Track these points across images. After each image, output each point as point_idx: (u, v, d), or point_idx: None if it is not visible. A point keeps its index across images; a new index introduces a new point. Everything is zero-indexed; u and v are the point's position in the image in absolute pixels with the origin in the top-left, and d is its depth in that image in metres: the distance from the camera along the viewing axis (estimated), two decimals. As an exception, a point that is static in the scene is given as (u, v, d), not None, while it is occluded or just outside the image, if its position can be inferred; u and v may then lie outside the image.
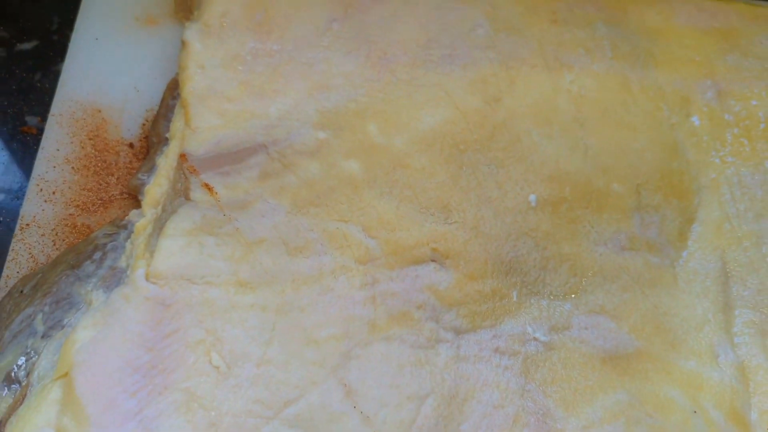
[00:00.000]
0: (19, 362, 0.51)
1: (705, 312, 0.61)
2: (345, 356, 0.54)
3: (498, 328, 0.58)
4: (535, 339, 0.59)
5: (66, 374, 0.50)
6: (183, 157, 0.60)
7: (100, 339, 0.51)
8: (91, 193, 0.63)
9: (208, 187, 0.58)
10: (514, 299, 0.60)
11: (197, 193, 0.58)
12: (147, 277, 0.54)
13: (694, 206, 0.66)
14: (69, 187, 0.63)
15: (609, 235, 0.63)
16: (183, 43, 0.66)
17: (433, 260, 0.59)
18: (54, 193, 0.63)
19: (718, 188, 0.67)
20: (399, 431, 0.52)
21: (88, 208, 0.63)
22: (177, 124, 0.63)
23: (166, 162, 0.62)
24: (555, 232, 0.63)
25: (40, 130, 0.67)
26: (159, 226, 0.58)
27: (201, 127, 0.61)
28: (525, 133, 0.65)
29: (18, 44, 0.72)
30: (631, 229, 0.64)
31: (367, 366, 0.54)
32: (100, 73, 0.69)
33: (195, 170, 0.59)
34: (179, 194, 0.59)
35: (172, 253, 0.55)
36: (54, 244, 0.61)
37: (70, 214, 0.62)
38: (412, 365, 0.55)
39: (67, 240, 0.61)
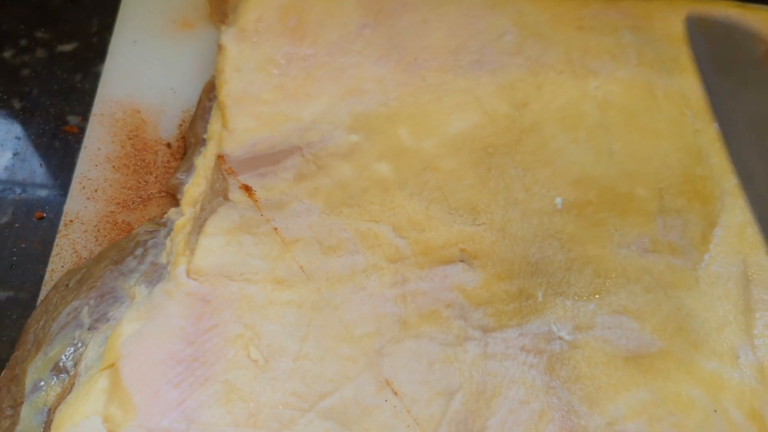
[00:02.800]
0: (67, 353, 0.54)
1: (726, 314, 0.63)
2: (377, 353, 0.56)
3: (524, 327, 0.60)
4: (560, 338, 0.60)
5: (113, 365, 0.52)
6: (221, 158, 0.62)
7: (144, 332, 0.53)
8: (130, 191, 0.66)
9: (246, 188, 0.60)
10: (540, 299, 0.62)
11: (236, 194, 0.60)
12: (188, 274, 0.56)
13: (716, 211, 0.67)
14: (110, 185, 0.65)
15: (632, 238, 0.65)
16: (220, 47, 0.68)
17: (461, 260, 0.61)
18: (96, 190, 0.65)
19: (741, 193, 0.68)
20: (430, 425, 0.54)
21: (128, 205, 0.65)
22: (214, 125, 0.66)
23: (204, 162, 0.64)
24: (580, 234, 0.64)
25: (81, 130, 0.69)
26: (198, 224, 0.60)
27: (237, 129, 0.64)
28: (552, 138, 0.67)
29: (59, 46, 0.74)
30: (655, 233, 0.65)
31: (398, 362, 0.56)
32: (139, 75, 0.72)
33: (233, 171, 0.61)
34: (218, 194, 0.61)
35: (212, 251, 0.57)
36: (96, 240, 0.63)
37: (111, 211, 0.64)
38: (442, 362, 0.57)
39: (108, 236, 0.63)
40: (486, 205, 0.63)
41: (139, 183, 0.66)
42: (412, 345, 0.57)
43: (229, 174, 0.61)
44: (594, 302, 0.62)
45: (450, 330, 0.58)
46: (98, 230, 0.64)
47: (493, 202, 0.64)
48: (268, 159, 0.62)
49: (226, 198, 0.60)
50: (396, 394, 0.54)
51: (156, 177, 0.67)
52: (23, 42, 0.74)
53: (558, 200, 0.65)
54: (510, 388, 0.58)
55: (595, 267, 0.63)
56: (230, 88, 0.65)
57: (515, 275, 0.62)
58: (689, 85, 0.72)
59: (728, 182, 0.68)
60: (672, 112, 0.70)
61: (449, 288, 0.60)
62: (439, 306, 0.59)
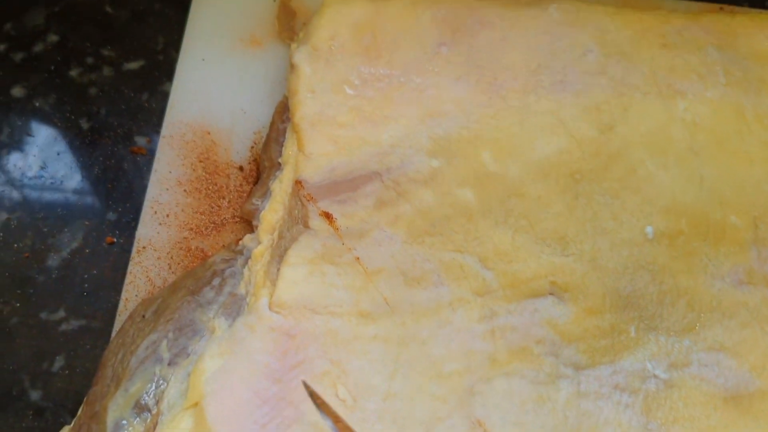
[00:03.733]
0: (148, 389, 0.52)
1: (827, 353, 0.60)
2: (468, 391, 0.53)
3: (617, 364, 0.57)
4: (655, 376, 0.57)
5: (197, 404, 0.50)
6: (299, 183, 0.60)
7: (228, 369, 0.51)
8: (203, 216, 0.64)
9: (327, 216, 0.58)
10: (633, 334, 0.59)
11: (316, 221, 0.58)
12: (270, 307, 0.54)
13: (814, 240, 0.64)
14: (182, 210, 0.64)
15: (727, 269, 0.62)
16: (292, 67, 0.66)
17: (551, 293, 0.59)
18: (168, 216, 0.63)
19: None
20: (530, 473, 0.52)
21: (202, 231, 0.63)
22: (290, 149, 0.63)
23: (280, 187, 0.62)
24: (672, 265, 0.61)
25: (150, 151, 0.68)
26: (278, 253, 0.58)
27: (314, 154, 0.61)
28: (639, 163, 0.64)
29: (125, 64, 0.73)
30: (749, 263, 0.62)
31: (490, 402, 0.53)
32: (208, 95, 0.70)
33: (312, 198, 0.59)
34: (297, 221, 0.59)
35: (295, 282, 0.55)
36: (170, 268, 0.61)
37: (185, 237, 0.63)
38: (534, 402, 0.54)
39: (182, 263, 0.62)
40: (574, 234, 0.61)
41: (212, 208, 0.64)
42: (503, 383, 0.54)
43: (308, 200, 0.59)
44: (689, 338, 0.59)
45: (541, 367, 0.56)
46: (171, 257, 0.62)
47: (581, 231, 0.61)
48: (347, 185, 0.60)
49: (306, 225, 0.58)
50: (490, 435, 0.52)
51: (229, 201, 0.65)
52: (89, 60, 0.72)
53: (648, 229, 0.62)
54: (605, 430, 0.55)
55: (689, 300, 0.60)
56: (305, 111, 0.63)
57: (607, 309, 0.59)
58: (780, 106, 0.69)
59: (826, 210, 0.65)
60: (763, 135, 0.67)
61: (539, 323, 0.57)
62: (529, 342, 0.56)
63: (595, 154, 0.64)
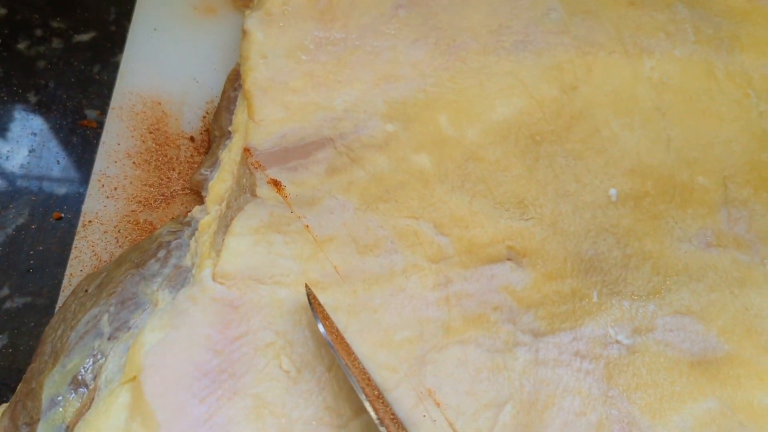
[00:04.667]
0: (86, 365, 0.50)
1: (801, 313, 0.57)
2: (420, 361, 0.51)
3: (578, 330, 0.55)
4: (618, 342, 0.55)
5: (134, 378, 0.48)
6: (248, 151, 0.58)
7: (168, 342, 0.49)
8: (152, 189, 0.62)
9: (275, 183, 0.56)
10: (595, 300, 0.57)
11: (264, 190, 0.56)
12: (214, 278, 0.52)
13: (786, 199, 0.61)
14: (130, 183, 0.62)
15: (694, 232, 0.60)
16: (244, 33, 0.64)
17: (509, 259, 0.56)
18: (116, 188, 0.61)
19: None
20: (480, 441, 0.50)
21: (150, 204, 0.61)
22: (240, 116, 0.61)
23: (229, 157, 0.60)
24: (637, 228, 0.59)
25: (100, 124, 0.66)
26: (224, 223, 0.56)
27: (265, 120, 0.59)
28: (604, 124, 0.62)
29: (75, 35, 0.71)
30: (718, 225, 0.60)
31: (442, 371, 0.51)
32: (159, 65, 0.68)
33: (260, 165, 0.57)
34: (244, 190, 0.57)
35: (239, 252, 0.53)
36: (117, 241, 0.59)
37: (132, 210, 0.61)
38: (489, 370, 0.52)
39: (129, 237, 0.60)
40: (534, 198, 0.58)
41: (162, 180, 0.62)
42: (457, 352, 0.52)
43: (256, 168, 0.56)
44: (654, 302, 0.57)
45: (498, 335, 0.54)
46: (119, 231, 0.60)
47: (542, 194, 0.59)
48: (298, 152, 0.58)
49: (253, 194, 0.56)
50: (438, 405, 0.50)
51: (179, 173, 0.63)
52: (38, 32, 0.70)
53: (612, 191, 0.60)
54: (564, 399, 0.53)
55: (654, 263, 0.58)
56: (256, 77, 0.61)
57: (567, 274, 0.57)
58: (752, 63, 0.66)
59: (799, 168, 0.62)
60: (734, 94, 0.65)
61: (496, 289, 0.55)
62: (485, 309, 0.54)
63: (557, 115, 0.61)
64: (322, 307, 0.50)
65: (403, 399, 0.50)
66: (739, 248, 0.60)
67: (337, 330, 0.49)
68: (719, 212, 0.61)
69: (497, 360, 0.53)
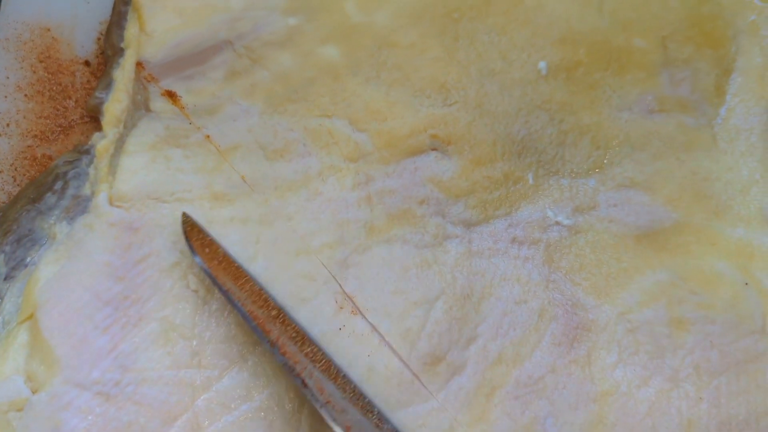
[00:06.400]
0: (-18, 309, 0.46)
1: (751, 172, 0.54)
2: (341, 265, 0.48)
3: (514, 216, 0.52)
4: (558, 223, 0.52)
5: (31, 316, 0.45)
6: (140, 65, 0.53)
7: (64, 274, 0.46)
8: (48, 121, 0.57)
9: (170, 95, 0.51)
10: (530, 182, 0.53)
11: (158, 103, 0.51)
12: (110, 201, 0.48)
13: (731, 55, 0.57)
14: (24, 117, 0.57)
15: (634, 98, 0.55)
16: (128, -61, 0.58)
17: (433, 149, 0.52)
18: (8, 125, 0.56)
19: (758, 30, 0.58)
20: (406, 342, 0.46)
21: (48, 137, 0.57)
22: (131, 30, 0.56)
23: (123, 75, 0.55)
24: (571, 101, 0.55)
25: (-11, 60, 0.60)
26: (121, 145, 0.51)
27: (157, 30, 0.54)
28: (526, -8, 0.56)
29: (-45, -32, 0.65)
30: (660, 89, 0.56)
31: (366, 274, 0.48)
32: (45, -12, 0.62)
33: (154, 78, 0.52)
34: (139, 107, 0.52)
35: (135, 171, 0.49)
36: (15, 181, 0.55)
37: (29, 146, 0.56)
38: (418, 267, 0.49)
39: (28, 174, 0.55)
40: (456, 80, 0.54)
41: (58, 110, 0.57)
42: (381, 251, 0.49)
43: (149, 81, 0.52)
44: (595, 178, 0.53)
45: (426, 229, 0.50)
46: (15, 169, 0.55)
47: (464, 76, 0.54)
48: (194, 58, 0.53)
49: (147, 109, 0.51)
50: (355, 313, 0.46)
51: (76, 101, 0.58)
52: None
53: (542, 65, 0.55)
54: (502, 288, 0.49)
55: (593, 137, 0.54)
56: (144, -16, 0.56)
57: (498, 157, 0.53)
58: None
59: (743, 19, 0.58)
60: (669, -55, 0.59)
61: (421, 182, 0.51)
62: (411, 204, 0.50)
63: (474, -13, 0.56)
64: (203, 232, 0.45)
65: (323, 307, 0.46)
66: (684, 111, 0.55)
67: (224, 254, 0.45)
68: (660, 75, 0.56)
69: (426, 255, 0.49)
